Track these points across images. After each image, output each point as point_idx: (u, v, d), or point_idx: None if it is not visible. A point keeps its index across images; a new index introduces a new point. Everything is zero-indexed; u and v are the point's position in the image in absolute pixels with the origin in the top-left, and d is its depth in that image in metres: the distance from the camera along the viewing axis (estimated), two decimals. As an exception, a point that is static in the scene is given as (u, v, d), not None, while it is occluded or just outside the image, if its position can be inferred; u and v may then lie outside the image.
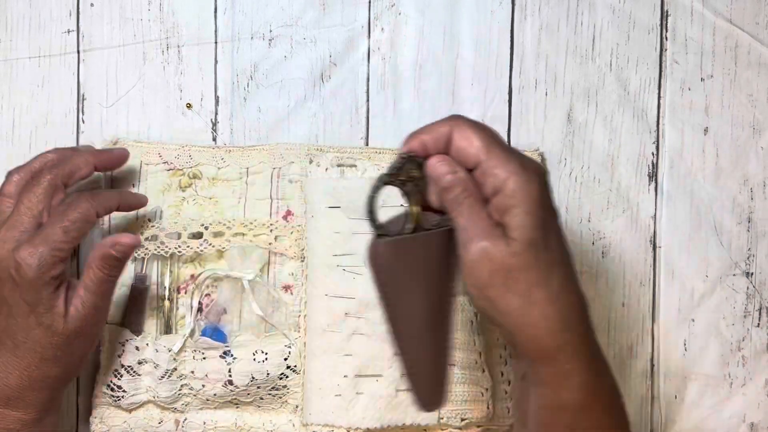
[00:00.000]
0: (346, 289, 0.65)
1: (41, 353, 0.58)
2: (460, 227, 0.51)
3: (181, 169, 0.68)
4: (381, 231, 0.52)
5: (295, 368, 0.66)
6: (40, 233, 0.58)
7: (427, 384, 0.56)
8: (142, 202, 0.66)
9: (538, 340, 0.51)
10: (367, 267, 0.53)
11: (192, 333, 0.67)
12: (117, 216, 0.67)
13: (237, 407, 0.68)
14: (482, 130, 0.52)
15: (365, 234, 0.54)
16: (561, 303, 0.50)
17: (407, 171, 0.52)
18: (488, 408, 0.67)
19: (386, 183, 0.52)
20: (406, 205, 0.53)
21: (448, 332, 0.56)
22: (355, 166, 0.67)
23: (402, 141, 0.53)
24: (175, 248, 0.67)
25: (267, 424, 0.67)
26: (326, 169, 0.67)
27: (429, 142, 0.52)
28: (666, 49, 0.70)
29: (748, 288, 0.70)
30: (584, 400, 0.52)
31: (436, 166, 0.51)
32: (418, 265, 0.53)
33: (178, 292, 0.68)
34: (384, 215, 0.53)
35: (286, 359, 0.66)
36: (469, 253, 0.50)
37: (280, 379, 0.66)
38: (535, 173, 0.50)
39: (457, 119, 0.52)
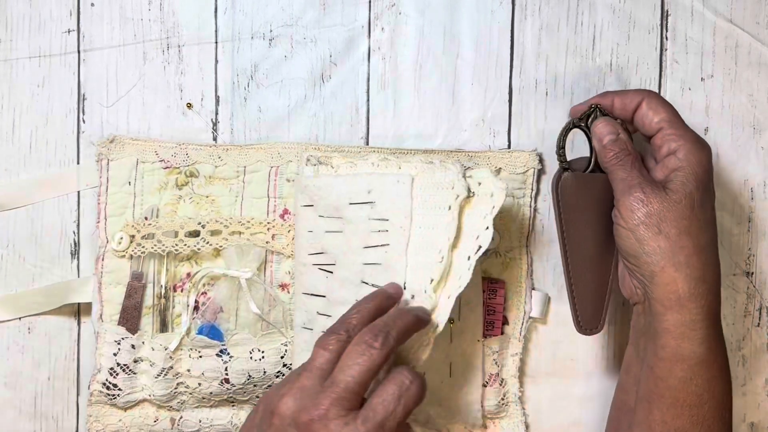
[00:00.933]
0: (319, 287, 0.65)
1: None
2: (620, 178, 0.60)
3: (178, 167, 0.68)
4: (567, 166, 0.64)
5: (290, 366, 0.66)
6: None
7: (589, 307, 0.65)
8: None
9: (676, 282, 0.57)
10: (552, 195, 0.65)
11: (188, 331, 0.67)
12: (112, 214, 0.67)
13: (233, 405, 0.68)
14: (669, 105, 0.61)
15: (337, 232, 0.62)
16: (705, 256, 0.57)
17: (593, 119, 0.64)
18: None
19: (575, 126, 0.64)
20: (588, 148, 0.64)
21: (612, 263, 0.65)
22: (330, 164, 0.66)
23: (595, 96, 0.65)
24: (172, 246, 0.67)
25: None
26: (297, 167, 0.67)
27: (617, 102, 0.62)
28: (666, 49, 0.70)
29: (748, 288, 0.70)
30: (703, 354, 0.57)
31: (600, 127, 0.62)
32: (595, 199, 0.63)
33: (174, 291, 0.68)
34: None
35: (282, 357, 0.66)
36: (629, 197, 0.59)
37: (277, 377, 0.66)
38: (706, 148, 0.59)
39: (650, 92, 0.62)
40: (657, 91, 0.70)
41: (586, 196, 0.64)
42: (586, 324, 0.65)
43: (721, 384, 0.59)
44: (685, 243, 0.57)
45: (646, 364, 0.60)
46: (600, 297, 0.65)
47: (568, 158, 0.65)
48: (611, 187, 0.62)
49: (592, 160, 0.64)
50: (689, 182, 0.58)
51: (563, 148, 0.64)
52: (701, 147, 0.59)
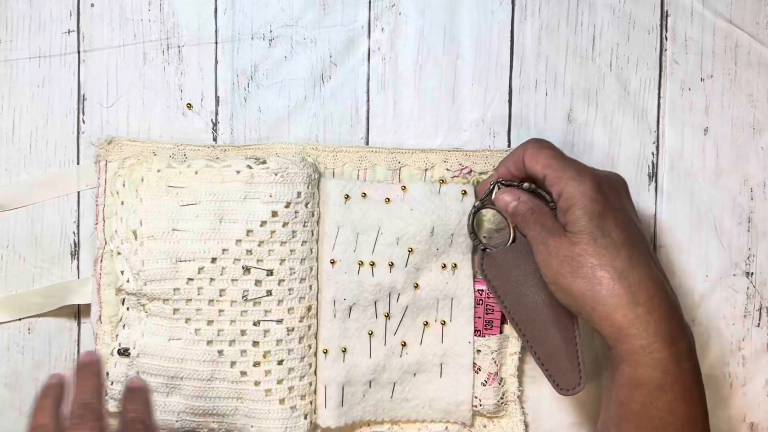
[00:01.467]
0: None
1: None
2: (530, 238, 0.61)
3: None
4: (485, 246, 0.65)
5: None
6: None
7: (563, 367, 0.63)
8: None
9: (610, 316, 0.56)
10: (482, 276, 0.65)
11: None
12: (110, 215, 0.67)
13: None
14: (547, 148, 0.61)
15: None
16: (628, 280, 0.56)
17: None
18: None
19: (481, 208, 0.65)
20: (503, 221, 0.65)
21: (571, 316, 0.63)
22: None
23: (494, 171, 0.65)
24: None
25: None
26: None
27: (511, 166, 0.62)
28: (666, 50, 0.70)
29: (748, 288, 0.70)
30: (661, 378, 0.56)
31: (500, 198, 0.63)
32: (527, 265, 0.63)
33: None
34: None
35: None
36: (539, 254, 0.59)
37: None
38: (586, 175, 0.59)
39: (530, 143, 0.62)
40: (657, 91, 0.70)
41: (517, 267, 0.64)
42: (564, 385, 0.63)
43: (684, 405, 0.57)
44: (601, 276, 0.57)
45: (612, 389, 0.59)
46: (571, 354, 0.63)
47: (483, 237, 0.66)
48: (525, 257, 0.63)
49: (511, 229, 0.64)
50: (580, 218, 0.57)
51: (473, 232, 0.65)
52: (581, 178, 0.58)
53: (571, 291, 0.58)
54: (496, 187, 0.64)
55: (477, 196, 0.66)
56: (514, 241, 0.64)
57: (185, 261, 0.64)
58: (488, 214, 0.67)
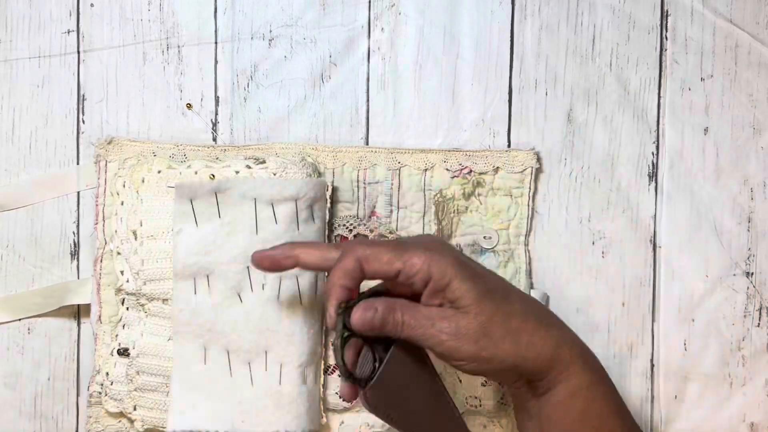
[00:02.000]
0: None
1: None
2: (418, 339, 0.54)
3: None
4: (357, 380, 0.55)
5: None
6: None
7: None
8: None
9: (539, 355, 0.55)
10: (373, 412, 0.56)
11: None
12: (110, 215, 0.67)
13: None
14: (378, 245, 0.55)
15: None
16: (532, 315, 0.56)
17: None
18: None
19: (345, 343, 0.55)
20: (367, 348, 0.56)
21: (456, 410, 0.58)
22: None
23: (327, 297, 0.55)
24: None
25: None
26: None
27: (349, 282, 0.54)
28: (666, 49, 0.70)
29: (748, 288, 0.70)
30: (592, 376, 0.57)
31: (357, 321, 0.54)
32: (407, 382, 0.56)
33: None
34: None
35: None
36: (442, 345, 0.54)
37: None
38: (440, 247, 0.55)
39: (348, 248, 0.55)
40: (657, 91, 0.70)
41: (399, 385, 0.57)
42: None
43: (613, 394, 0.58)
44: (516, 327, 0.55)
45: (541, 419, 0.57)
46: (459, 421, 0.58)
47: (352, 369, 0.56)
48: (405, 355, 0.56)
49: (375, 357, 0.56)
50: (468, 287, 0.54)
51: (344, 364, 0.55)
52: (438, 250, 0.54)
53: (496, 358, 0.54)
54: (344, 314, 0.55)
55: (330, 328, 0.56)
56: (381, 361, 0.56)
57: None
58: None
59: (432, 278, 0.54)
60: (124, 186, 0.66)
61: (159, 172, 0.65)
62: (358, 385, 0.56)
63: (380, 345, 0.56)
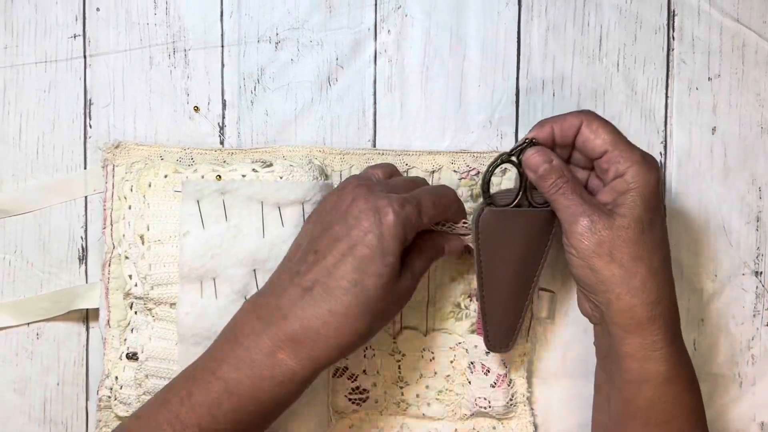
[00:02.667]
0: None
1: (364, 305, 0.55)
2: (563, 206, 0.58)
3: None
4: (489, 201, 0.62)
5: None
6: (411, 196, 0.57)
7: (500, 331, 0.65)
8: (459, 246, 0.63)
9: (634, 308, 0.56)
10: (473, 229, 0.62)
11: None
12: (118, 219, 0.67)
13: None
14: (609, 124, 0.59)
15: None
16: (659, 278, 0.57)
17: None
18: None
19: (504, 161, 0.61)
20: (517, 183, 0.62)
21: (528, 294, 0.64)
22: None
23: (533, 127, 0.61)
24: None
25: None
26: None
27: (557, 130, 0.59)
28: (673, 49, 0.70)
29: (757, 287, 0.70)
30: (668, 372, 0.57)
31: (531, 157, 0.59)
32: (515, 235, 0.62)
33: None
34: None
35: None
36: (577, 226, 0.57)
37: None
38: (653, 166, 0.57)
39: (588, 113, 0.59)
40: (664, 90, 0.70)
41: (506, 233, 0.62)
42: (495, 343, 0.65)
43: (688, 396, 0.59)
44: (638, 269, 0.56)
45: (614, 386, 0.59)
46: (512, 323, 0.65)
47: (496, 192, 0.64)
48: (534, 223, 0.61)
49: (519, 194, 0.62)
50: (638, 205, 0.57)
51: (488, 182, 0.62)
52: (649, 167, 0.57)
53: (600, 272, 0.57)
54: (529, 144, 0.61)
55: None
56: (517, 204, 0.62)
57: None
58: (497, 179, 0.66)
59: (623, 177, 0.57)
60: (131, 190, 0.66)
61: (165, 176, 0.65)
62: (484, 201, 0.62)
63: (539, 199, 0.62)
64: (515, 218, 0.62)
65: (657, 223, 0.57)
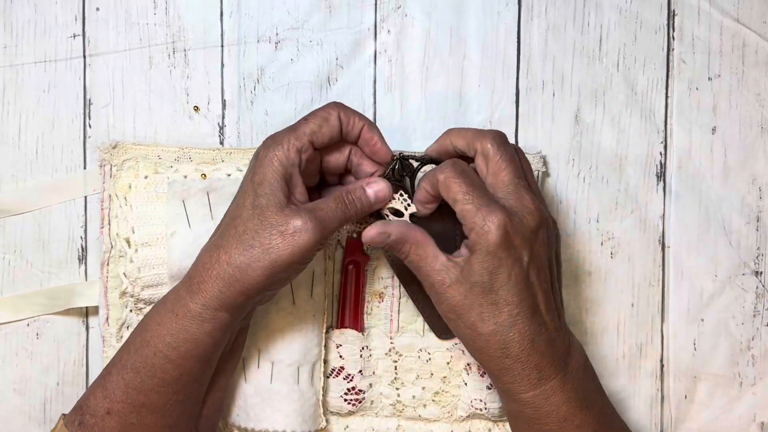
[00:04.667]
0: None
1: (239, 236, 0.56)
2: (415, 270, 0.59)
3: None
4: (398, 211, 0.61)
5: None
6: (289, 127, 0.59)
7: (437, 319, 0.66)
8: (381, 149, 0.61)
9: (484, 363, 0.58)
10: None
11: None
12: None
13: None
14: (459, 178, 0.56)
15: None
16: (504, 336, 0.56)
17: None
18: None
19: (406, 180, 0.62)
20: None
21: None
22: None
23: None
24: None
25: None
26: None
27: (429, 188, 0.59)
28: (673, 49, 0.70)
29: (757, 287, 0.70)
30: (532, 414, 0.58)
31: (367, 235, 0.59)
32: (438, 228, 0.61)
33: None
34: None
35: None
36: (429, 288, 0.58)
37: None
38: (494, 223, 0.55)
39: (442, 166, 0.58)
40: (664, 90, 0.70)
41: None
42: (440, 332, 0.67)
43: None
44: (480, 329, 0.57)
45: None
46: None
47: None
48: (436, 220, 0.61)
49: (411, 203, 0.61)
50: (476, 270, 0.55)
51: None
52: (487, 227, 0.55)
53: (455, 331, 0.58)
54: (398, 163, 0.61)
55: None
56: (411, 216, 0.61)
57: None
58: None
59: (469, 236, 0.56)
60: (116, 196, 0.66)
61: (146, 177, 0.65)
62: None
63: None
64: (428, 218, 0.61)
65: (500, 282, 0.56)
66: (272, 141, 0.58)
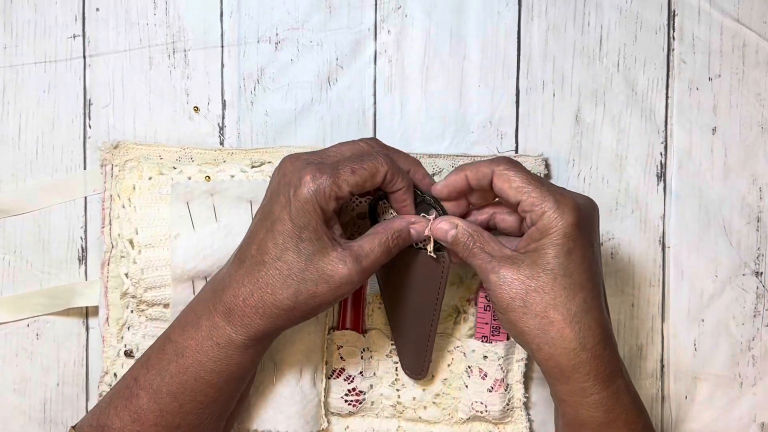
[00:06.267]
0: None
1: (284, 279, 0.56)
2: (476, 266, 0.57)
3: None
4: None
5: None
6: (330, 165, 0.56)
7: (410, 357, 0.66)
8: (408, 211, 0.61)
9: (555, 358, 0.55)
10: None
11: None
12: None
13: None
14: (521, 172, 0.57)
15: None
16: (579, 325, 0.54)
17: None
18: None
19: (381, 198, 0.62)
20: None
21: (431, 324, 0.64)
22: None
23: (451, 173, 0.60)
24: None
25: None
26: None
27: (472, 178, 0.58)
28: (673, 49, 0.70)
29: (757, 287, 0.70)
30: (603, 417, 0.55)
31: (438, 228, 0.59)
32: (405, 270, 0.63)
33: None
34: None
35: None
36: (489, 282, 0.56)
37: None
38: (566, 208, 0.55)
39: (500, 162, 0.57)
40: (665, 91, 0.70)
41: (395, 267, 0.63)
42: (410, 370, 0.67)
43: None
44: (553, 317, 0.55)
45: (558, 427, 0.59)
46: (420, 352, 0.65)
47: None
48: (418, 260, 0.61)
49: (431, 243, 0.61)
50: (549, 254, 0.55)
51: (374, 218, 0.63)
52: (560, 211, 0.55)
53: (518, 326, 0.56)
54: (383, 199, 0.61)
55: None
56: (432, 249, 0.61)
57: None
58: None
59: (536, 225, 0.55)
60: (118, 197, 0.66)
61: (150, 178, 0.65)
62: None
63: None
64: (402, 255, 0.61)
65: (574, 266, 0.55)
66: (311, 179, 0.55)
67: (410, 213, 0.60)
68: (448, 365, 0.69)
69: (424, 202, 0.60)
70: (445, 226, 0.58)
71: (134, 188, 0.65)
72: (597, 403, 0.55)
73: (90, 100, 0.69)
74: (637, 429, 0.57)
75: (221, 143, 0.69)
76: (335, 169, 0.56)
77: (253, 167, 0.66)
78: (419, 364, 0.66)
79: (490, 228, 0.61)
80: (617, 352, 0.57)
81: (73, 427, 0.59)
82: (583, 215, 0.56)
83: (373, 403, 0.69)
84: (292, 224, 0.55)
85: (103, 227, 0.67)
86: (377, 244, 0.57)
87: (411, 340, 0.66)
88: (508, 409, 0.68)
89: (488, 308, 0.67)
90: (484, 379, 0.67)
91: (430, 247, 0.60)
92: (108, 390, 0.66)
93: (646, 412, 0.58)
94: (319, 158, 0.57)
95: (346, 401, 0.68)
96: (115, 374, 0.67)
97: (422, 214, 0.60)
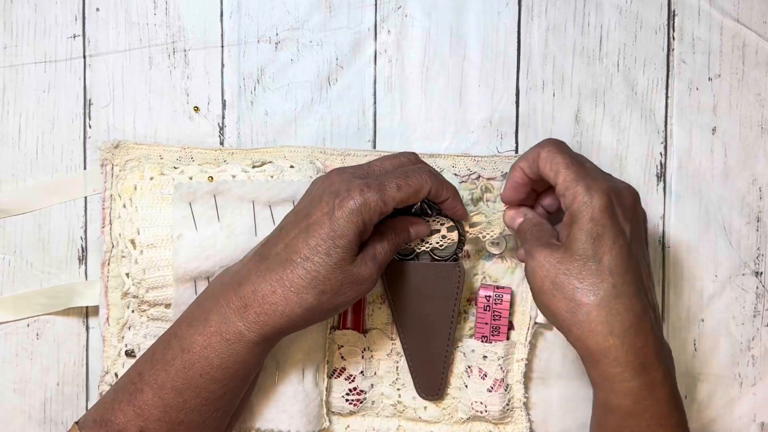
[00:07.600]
0: None
1: (311, 279, 0.57)
2: (525, 250, 0.60)
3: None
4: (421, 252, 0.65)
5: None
6: (376, 180, 0.58)
7: (423, 377, 0.67)
8: (462, 214, 0.64)
9: (583, 341, 0.56)
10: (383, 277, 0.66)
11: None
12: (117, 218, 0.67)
13: None
14: (560, 154, 0.58)
15: None
16: (607, 309, 0.55)
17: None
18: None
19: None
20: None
21: (446, 340, 0.66)
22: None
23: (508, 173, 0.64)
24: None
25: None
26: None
27: (526, 168, 0.60)
28: (673, 49, 0.70)
29: (757, 288, 0.70)
30: (631, 407, 0.55)
31: (508, 215, 0.63)
32: (419, 287, 0.65)
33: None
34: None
35: None
36: (526, 266, 0.58)
37: None
38: (597, 192, 0.56)
39: (544, 143, 0.59)
40: (664, 91, 0.70)
41: (410, 284, 0.65)
42: (424, 391, 0.68)
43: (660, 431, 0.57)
44: (582, 300, 0.55)
45: (593, 408, 0.60)
46: (436, 372, 0.67)
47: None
48: (436, 275, 0.65)
49: (420, 247, 0.65)
50: (578, 237, 0.56)
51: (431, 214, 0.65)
52: (590, 195, 0.56)
53: (549, 308, 0.57)
54: (423, 205, 0.64)
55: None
56: (417, 257, 0.65)
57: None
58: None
59: (569, 210, 0.57)
60: (119, 196, 0.66)
61: (151, 178, 0.65)
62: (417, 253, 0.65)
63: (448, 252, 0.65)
64: (416, 270, 0.65)
65: (603, 250, 0.55)
66: (359, 193, 0.57)
67: (464, 216, 0.64)
68: (448, 365, 0.69)
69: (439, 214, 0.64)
70: (513, 214, 0.63)
71: (135, 188, 0.65)
72: (626, 391, 0.55)
73: (90, 100, 0.69)
74: (668, 425, 0.56)
75: (221, 143, 0.69)
76: (382, 185, 0.58)
77: (254, 167, 0.66)
78: (435, 385, 0.67)
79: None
80: (659, 344, 0.56)
81: (77, 423, 0.59)
82: (616, 199, 0.56)
83: (373, 402, 0.69)
84: (330, 230, 0.57)
85: (104, 227, 0.67)
86: (386, 243, 0.60)
87: (427, 359, 0.67)
88: (508, 409, 0.68)
89: (488, 308, 0.67)
90: (483, 379, 0.67)
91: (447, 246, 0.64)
92: (107, 389, 0.66)
93: (683, 412, 0.58)
94: (365, 172, 0.59)
95: (347, 400, 0.68)
96: (115, 374, 0.67)
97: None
